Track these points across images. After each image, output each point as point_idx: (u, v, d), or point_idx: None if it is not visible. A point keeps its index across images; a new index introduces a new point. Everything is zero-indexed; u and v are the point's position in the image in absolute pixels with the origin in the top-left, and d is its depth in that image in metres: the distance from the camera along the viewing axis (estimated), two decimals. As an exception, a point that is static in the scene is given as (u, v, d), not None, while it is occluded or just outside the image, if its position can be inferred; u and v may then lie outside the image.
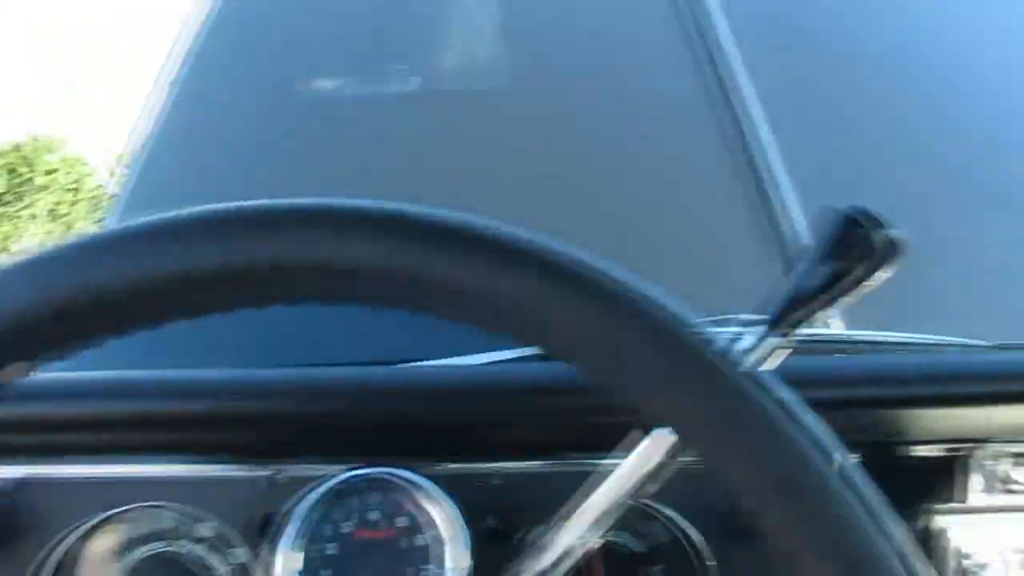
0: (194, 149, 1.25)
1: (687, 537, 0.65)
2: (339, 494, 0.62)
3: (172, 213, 0.32)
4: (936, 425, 0.66)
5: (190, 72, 1.36)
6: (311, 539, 0.61)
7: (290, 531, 0.61)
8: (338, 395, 0.65)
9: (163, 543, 0.66)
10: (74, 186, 4.70)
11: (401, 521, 0.62)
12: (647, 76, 1.37)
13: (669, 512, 0.64)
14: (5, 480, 0.64)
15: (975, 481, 0.66)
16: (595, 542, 0.51)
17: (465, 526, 0.61)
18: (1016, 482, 0.66)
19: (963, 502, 0.66)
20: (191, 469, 0.65)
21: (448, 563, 0.60)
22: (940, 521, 0.67)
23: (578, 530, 0.48)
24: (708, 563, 0.64)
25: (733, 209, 1.09)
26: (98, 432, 0.65)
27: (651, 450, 0.45)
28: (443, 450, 0.65)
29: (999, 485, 0.66)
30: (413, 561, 0.61)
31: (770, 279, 0.48)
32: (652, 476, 0.46)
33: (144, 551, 0.66)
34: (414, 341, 0.67)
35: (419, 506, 0.62)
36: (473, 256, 0.30)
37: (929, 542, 0.67)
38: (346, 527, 0.62)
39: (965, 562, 0.66)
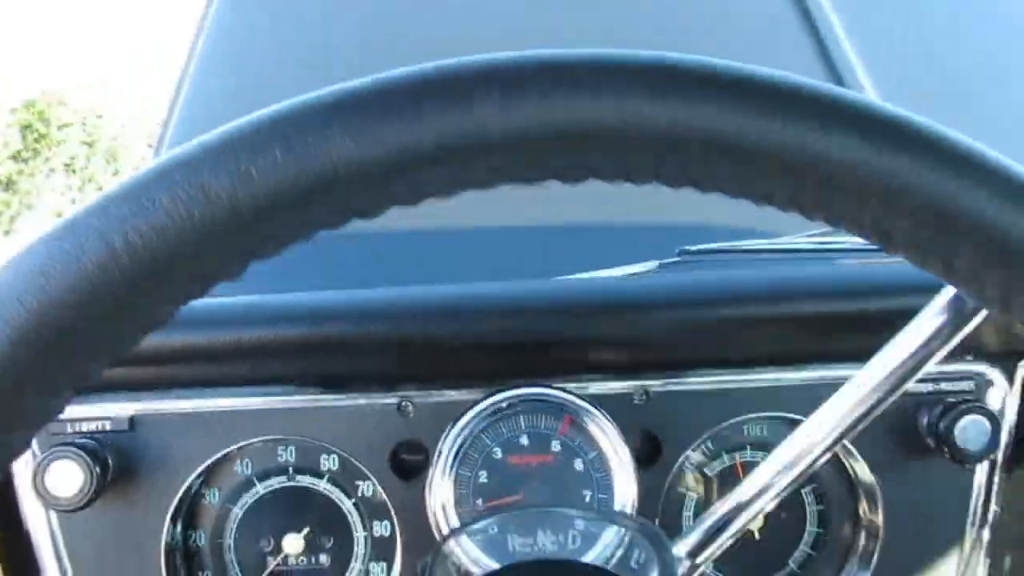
0: (244, 59, 1.16)
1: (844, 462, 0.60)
2: (489, 418, 0.56)
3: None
4: None
5: None
6: (460, 467, 0.56)
7: (440, 460, 0.56)
8: (470, 313, 0.59)
9: (284, 478, 0.61)
10: (89, 139, 4.58)
11: (556, 445, 0.57)
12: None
13: None
14: (120, 416, 0.59)
15: None
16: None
17: (627, 448, 0.56)
18: None
19: None
20: (312, 400, 0.60)
21: (616, 487, 0.55)
22: None
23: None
24: (865, 487, 0.60)
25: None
26: (212, 363, 0.60)
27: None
28: (587, 368, 0.59)
29: None
30: (573, 486, 0.56)
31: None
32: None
33: (265, 486, 0.62)
34: (547, 256, 0.61)
35: (578, 428, 0.56)
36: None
37: None
38: (496, 453, 0.57)
39: None
